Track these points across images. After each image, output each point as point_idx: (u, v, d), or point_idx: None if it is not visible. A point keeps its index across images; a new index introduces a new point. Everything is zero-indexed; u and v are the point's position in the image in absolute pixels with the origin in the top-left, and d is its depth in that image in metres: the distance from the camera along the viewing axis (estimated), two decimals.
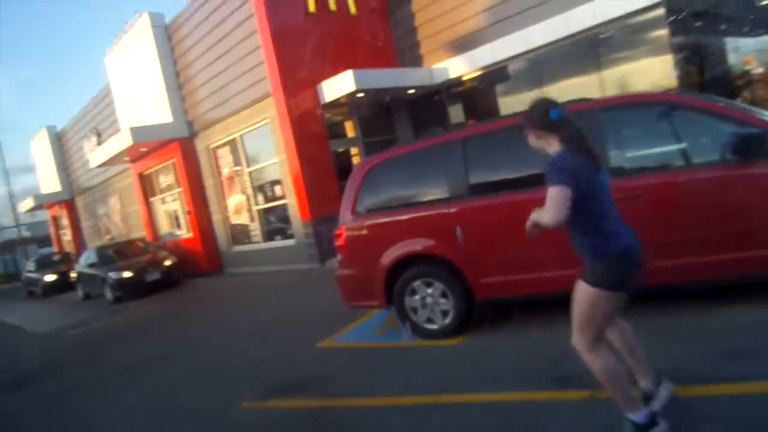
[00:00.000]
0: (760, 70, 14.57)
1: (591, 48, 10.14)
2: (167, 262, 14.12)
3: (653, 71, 9.48)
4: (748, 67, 13.40)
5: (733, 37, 13.26)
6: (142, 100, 15.24)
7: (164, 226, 16.94)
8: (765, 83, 14.58)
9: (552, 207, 2.43)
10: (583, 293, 2.61)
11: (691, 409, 2.85)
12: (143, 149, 15.09)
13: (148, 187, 17.14)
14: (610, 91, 9.77)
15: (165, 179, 16.20)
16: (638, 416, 2.57)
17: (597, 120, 4.36)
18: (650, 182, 4.19)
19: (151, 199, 17.15)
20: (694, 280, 4.19)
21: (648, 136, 4.63)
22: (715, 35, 12.37)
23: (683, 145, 4.35)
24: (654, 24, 9.34)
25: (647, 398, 2.78)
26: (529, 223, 2.58)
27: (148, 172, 16.80)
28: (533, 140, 2.72)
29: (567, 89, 10.22)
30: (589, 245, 2.59)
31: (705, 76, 11.33)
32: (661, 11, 9.14)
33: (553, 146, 2.63)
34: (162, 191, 16.55)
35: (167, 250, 15.29)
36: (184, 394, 5.29)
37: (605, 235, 2.56)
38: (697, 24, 10.89)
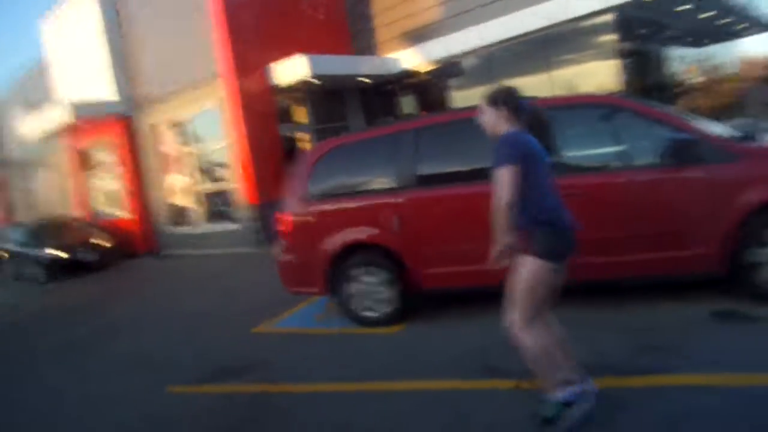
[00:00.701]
0: (701, 79, 15.28)
1: (542, 48, 10.36)
2: (103, 242, 13.60)
3: (600, 75, 9.78)
4: (689, 76, 14.03)
5: (677, 47, 13.84)
6: (83, 72, 14.57)
7: (102, 205, 16.31)
8: (704, 92, 15.30)
9: (502, 188, 2.59)
10: (525, 266, 2.71)
11: (608, 400, 2.97)
12: (82, 124, 14.44)
13: (85, 163, 16.43)
14: (559, 92, 10.02)
15: (104, 156, 15.57)
16: (562, 395, 2.73)
17: None
18: (591, 181, 4.32)
19: (89, 176, 16.46)
20: (628, 277, 4.37)
21: (591, 137, 4.77)
22: (660, 44, 12.87)
23: (623, 147, 4.51)
24: (603, 29, 9.63)
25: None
26: (494, 254, 2.65)
27: (86, 147, 16.11)
28: (491, 117, 2.82)
29: (517, 86, 10.40)
30: (531, 215, 2.69)
31: (648, 82, 11.78)
32: (610, 17, 9.43)
33: (504, 128, 2.79)
34: (100, 168, 15.91)
35: (104, 229, 14.72)
36: (113, 378, 5.13)
37: (546, 207, 2.72)
38: (644, 32, 11.29)
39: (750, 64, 19.14)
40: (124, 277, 12.16)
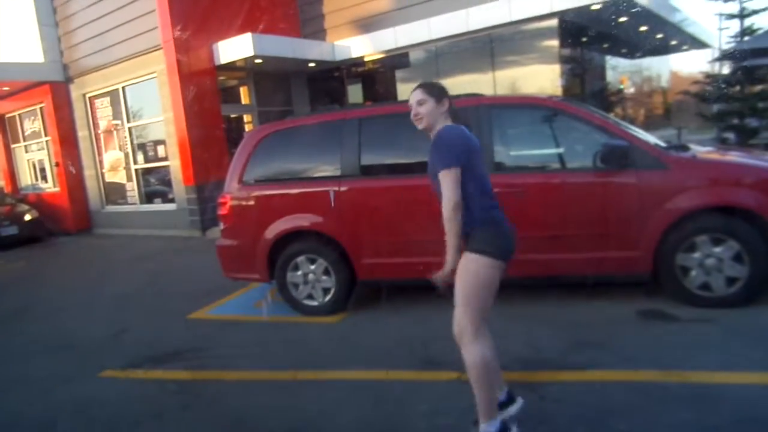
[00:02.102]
0: (632, 90, 16.03)
1: (488, 48, 10.55)
2: (27, 217, 12.84)
3: (541, 78, 10.06)
4: (622, 86, 14.69)
5: (613, 57, 14.45)
6: (9, 32, 13.58)
7: (27, 177, 15.36)
8: (634, 101, 16.07)
9: (449, 190, 2.50)
10: (466, 264, 2.57)
11: (541, 392, 3.10)
12: (6, 88, 13.52)
13: (9, 131, 15.41)
14: (501, 91, 10.25)
15: (31, 125, 14.65)
16: (492, 426, 2.55)
17: (486, 115, 4.57)
18: (529, 180, 4.46)
19: (13, 146, 15.45)
20: (560, 275, 4.55)
21: (531, 138, 4.93)
22: (599, 52, 13.40)
23: (561, 150, 4.69)
24: (547, 33, 9.90)
25: (501, 406, 2.71)
26: (440, 275, 2.55)
27: (10, 114, 15.09)
28: (433, 110, 2.66)
29: (462, 84, 10.57)
30: (471, 213, 2.58)
31: (585, 88, 12.23)
32: (554, 22, 9.71)
33: (442, 122, 2.69)
34: (26, 138, 14.96)
35: (28, 203, 13.90)
36: (33, 361, 4.86)
37: (488, 204, 2.63)
38: (584, 39, 11.71)
39: (679, 78, 20.24)
40: (48, 253, 11.55)
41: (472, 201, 2.59)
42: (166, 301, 6.33)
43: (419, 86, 2.74)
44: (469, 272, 2.56)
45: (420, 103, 2.69)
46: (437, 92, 2.69)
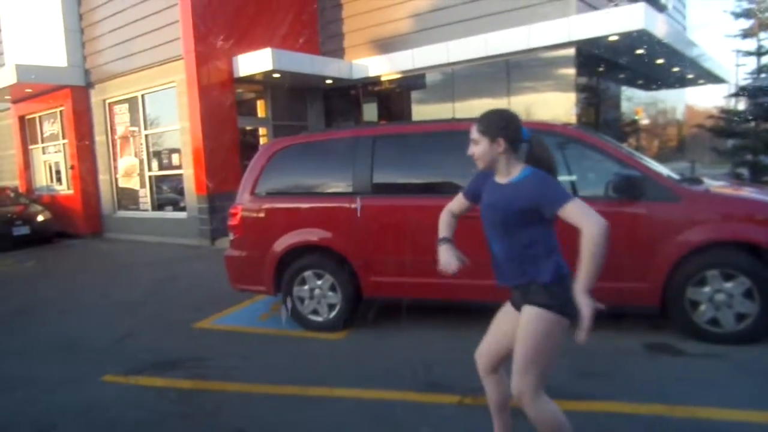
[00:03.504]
0: (646, 121, 16.04)
1: (504, 73, 10.62)
2: (40, 217, 12.97)
3: (556, 105, 10.09)
4: (637, 117, 14.69)
5: (629, 87, 14.48)
6: (35, 36, 13.85)
7: (42, 179, 15.53)
8: (649, 133, 16.05)
9: (589, 213, 2.12)
10: (537, 322, 2.23)
11: None
12: (29, 90, 13.75)
13: (29, 132, 15.62)
14: None
15: (50, 127, 14.85)
16: None
17: None
18: None
19: (31, 147, 15.65)
20: None
21: None
22: (614, 83, 13.43)
23: (573, 177, 4.68)
24: (564, 62, 9.95)
25: None
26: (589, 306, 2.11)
27: (31, 116, 15.32)
28: (486, 151, 2.30)
29: (477, 107, 10.59)
30: (549, 265, 2.28)
31: (600, 117, 12.24)
32: (571, 51, 9.76)
33: (510, 164, 2.32)
34: (44, 140, 15.16)
35: (42, 204, 14.05)
36: (37, 361, 4.88)
37: (559, 255, 2.33)
38: (601, 69, 11.75)
39: (695, 112, 20.23)
40: (59, 255, 11.64)
41: (554, 249, 2.32)
42: (171, 308, 6.34)
43: (476, 120, 2.35)
44: (541, 333, 2.23)
45: (474, 142, 2.33)
46: (491, 130, 2.28)
